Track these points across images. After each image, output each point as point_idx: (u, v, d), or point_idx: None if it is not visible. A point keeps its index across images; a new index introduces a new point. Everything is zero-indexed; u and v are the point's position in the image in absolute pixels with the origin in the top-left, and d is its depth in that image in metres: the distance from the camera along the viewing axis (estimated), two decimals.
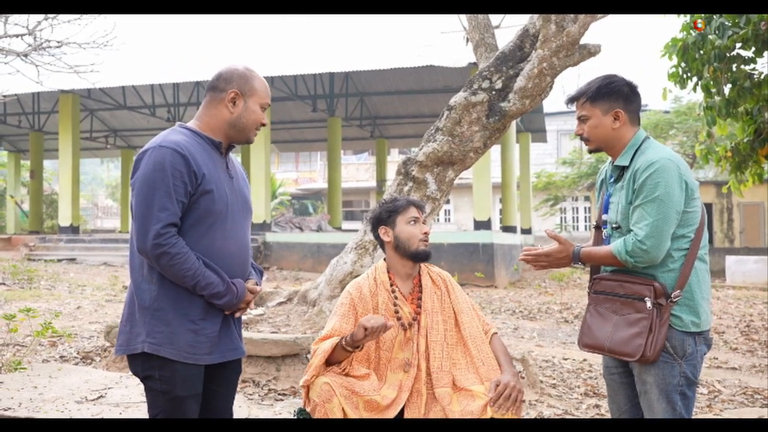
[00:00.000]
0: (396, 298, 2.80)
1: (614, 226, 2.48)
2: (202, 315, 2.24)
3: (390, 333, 2.75)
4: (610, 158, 2.63)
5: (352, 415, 2.56)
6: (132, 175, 2.24)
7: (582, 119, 2.55)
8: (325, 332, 2.75)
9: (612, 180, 2.57)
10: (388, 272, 2.86)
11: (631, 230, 2.37)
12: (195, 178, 2.21)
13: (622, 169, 2.50)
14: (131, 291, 2.27)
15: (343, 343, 2.62)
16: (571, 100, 2.59)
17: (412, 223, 2.80)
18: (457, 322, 2.81)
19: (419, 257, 2.81)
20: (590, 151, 2.63)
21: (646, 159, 2.39)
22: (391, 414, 2.64)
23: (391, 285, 2.83)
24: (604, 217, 2.55)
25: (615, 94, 2.49)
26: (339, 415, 2.53)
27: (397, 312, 2.77)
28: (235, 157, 2.49)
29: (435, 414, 2.65)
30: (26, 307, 4.62)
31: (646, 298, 2.35)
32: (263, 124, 2.39)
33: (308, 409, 2.62)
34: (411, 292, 2.84)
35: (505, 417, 2.53)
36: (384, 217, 2.84)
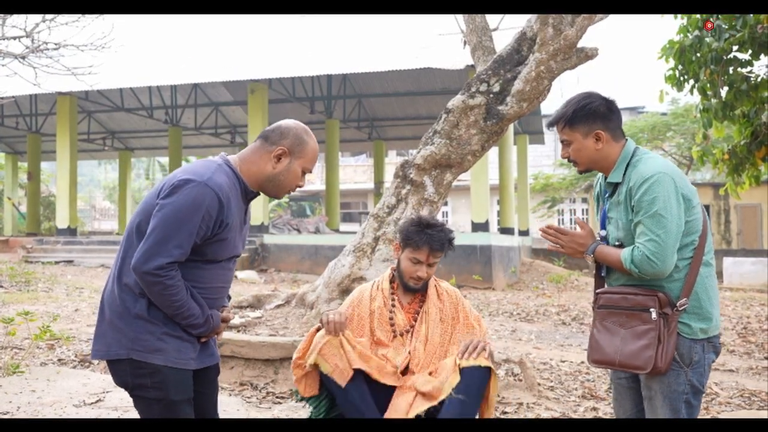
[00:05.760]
0: (393, 306, 2.93)
1: (617, 243, 2.45)
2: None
3: (385, 336, 2.90)
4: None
5: (348, 348, 2.77)
6: (165, 196, 2.17)
7: (566, 143, 2.52)
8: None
9: (607, 195, 2.54)
10: (392, 282, 3.01)
11: (635, 244, 2.35)
12: (219, 226, 2.21)
13: (616, 185, 2.47)
14: (115, 295, 2.23)
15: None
16: (551, 124, 2.57)
17: (413, 261, 2.91)
18: (450, 343, 2.94)
19: (406, 288, 2.98)
20: (580, 172, 2.61)
21: (640, 174, 2.36)
22: (384, 379, 2.81)
23: (392, 294, 2.96)
24: (602, 232, 2.53)
25: (592, 116, 2.45)
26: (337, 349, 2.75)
27: (391, 319, 2.91)
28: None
29: (409, 397, 2.78)
30: (24, 311, 4.62)
31: (651, 309, 2.32)
32: (300, 186, 2.38)
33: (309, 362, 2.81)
34: (410, 302, 2.97)
35: (475, 363, 2.73)
36: (402, 237, 2.97)
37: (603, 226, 2.53)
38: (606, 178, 2.54)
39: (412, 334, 2.87)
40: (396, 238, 3.04)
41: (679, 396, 2.36)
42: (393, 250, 3.08)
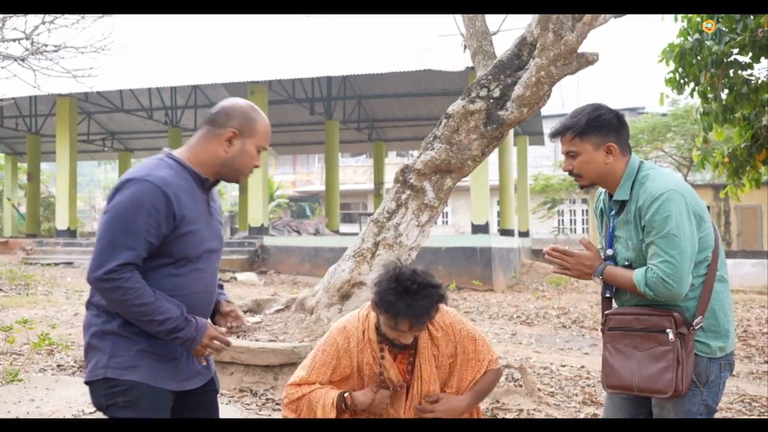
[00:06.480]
0: (383, 358, 2.56)
1: (626, 263, 2.35)
2: (165, 343, 2.12)
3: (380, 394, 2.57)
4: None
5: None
6: (108, 200, 2.09)
7: (571, 155, 2.40)
8: (304, 376, 2.59)
9: (612, 213, 2.44)
10: (377, 328, 2.55)
11: (648, 266, 2.26)
12: (173, 220, 2.08)
13: (623, 202, 2.38)
14: (90, 316, 2.15)
15: (344, 406, 2.50)
16: (556, 134, 2.42)
17: (392, 328, 2.45)
18: (448, 384, 2.64)
19: (394, 346, 2.57)
20: (582, 187, 2.46)
21: (649, 193, 2.27)
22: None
23: (380, 343, 2.56)
24: (609, 251, 2.42)
25: (605, 127, 2.35)
26: None
27: (381, 375, 2.56)
28: (216, 190, 2.36)
29: None
30: (23, 319, 4.61)
31: (668, 330, 2.23)
32: (257, 166, 2.26)
33: None
34: (402, 351, 2.58)
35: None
36: (377, 299, 2.44)
37: (610, 245, 2.42)
38: (609, 195, 2.45)
39: (407, 392, 2.56)
40: (371, 292, 2.49)
41: (693, 416, 2.29)
42: (370, 304, 2.55)
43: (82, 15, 8.44)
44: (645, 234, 2.27)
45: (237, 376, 4.68)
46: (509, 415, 4.37)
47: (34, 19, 8.68)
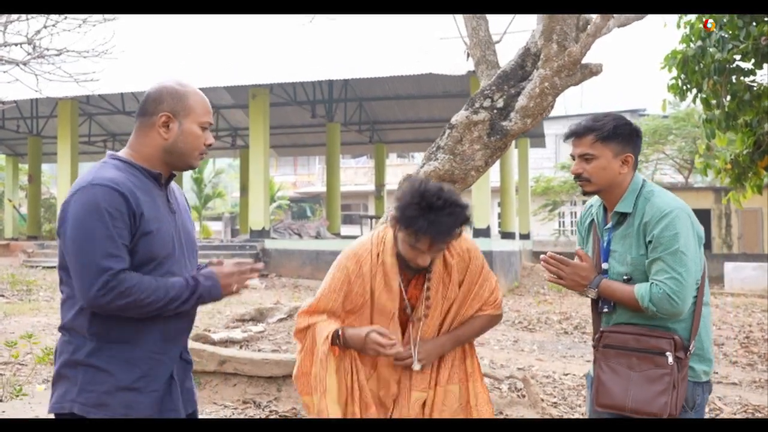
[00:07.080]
0: (401, 285, 2.43)
1: (625, 278, 2.31)
2: (143, 372, 1.96)
3: (384, 321, 2.45)
4: (596, 200, 2.48)
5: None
6: (60, 219, 1.92)
7: (586, 158, 2.35)
8: (314, 303, 2.48)
9: (608, 226, 2.41)
10: (395, 251, 2.39)
11: (653, 281, 2.23)
12: (134, 219, 1.92)
13: (622, 216, 2.36)
14: (62, 341, 2.00)
15: (339, 342, 2.39)
16: (575, 135, 2.37)
17: (411, 247, 2.31)
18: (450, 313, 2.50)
19: (408, 267, 2.42)
20: (585, 193, 2.41)
21: (656, 209, 2.26)
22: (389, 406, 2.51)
23: (397, 271, 2.41)
24: (604, 265, 2.38)
25: (627, 137, 2.34)
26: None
27: (406, 309, 2.46)
28: (178, 186, 2.22)
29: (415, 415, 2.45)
30: (28, 333, 4.60)
31: (667, 353, 2.20)
32: (208, 145, 2.11)
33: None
34: (416, 277, 2.46)
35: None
36: (399, 214, 2.30)
37: (605, 259, 2.38)
38: (604, 208, 2.43)
39: (413, 326, 2.46)
40: (394, 208, 2.34)
41: None
42: (389, 219, 2.41)
43: (83, 19, 8.45)
44: (650, 250, 2.25)
45: (240, 387, 4.68)
46: None
47: (36, 23, 8.68)
